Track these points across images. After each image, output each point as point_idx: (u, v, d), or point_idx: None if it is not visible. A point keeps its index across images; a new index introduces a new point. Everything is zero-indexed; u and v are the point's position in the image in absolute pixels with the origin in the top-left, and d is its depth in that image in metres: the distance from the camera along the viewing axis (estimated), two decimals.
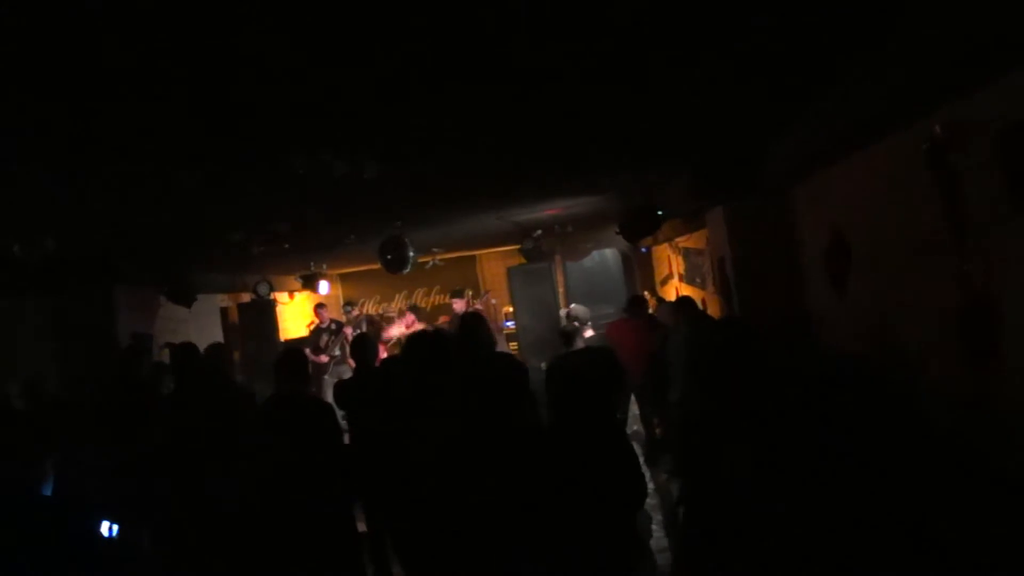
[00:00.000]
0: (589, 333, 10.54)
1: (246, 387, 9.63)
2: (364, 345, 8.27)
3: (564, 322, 11.43)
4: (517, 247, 16.56)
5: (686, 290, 14.37)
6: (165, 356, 11.13)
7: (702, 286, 12.36)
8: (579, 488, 4.61)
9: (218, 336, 14.76)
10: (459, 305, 15.53)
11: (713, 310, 11.18)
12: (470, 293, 18.55)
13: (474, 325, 7.14)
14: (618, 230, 11.24)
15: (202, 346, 9.20)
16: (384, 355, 13.27)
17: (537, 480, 4.71)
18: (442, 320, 17.06)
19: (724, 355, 4.51)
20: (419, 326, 14.66)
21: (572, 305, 11.15)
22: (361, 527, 7.06)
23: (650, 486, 8.99)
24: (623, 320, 11.60)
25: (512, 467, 4.78)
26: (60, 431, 6.25)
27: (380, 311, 18.71)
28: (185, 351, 8.74)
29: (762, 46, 4.77)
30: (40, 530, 3.79)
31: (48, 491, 4.10)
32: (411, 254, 11.98)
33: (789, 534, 3.83)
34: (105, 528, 4.53)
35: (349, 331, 15.36)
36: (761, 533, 3.90)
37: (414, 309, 15.75)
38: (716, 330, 5.83)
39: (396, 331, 14.63)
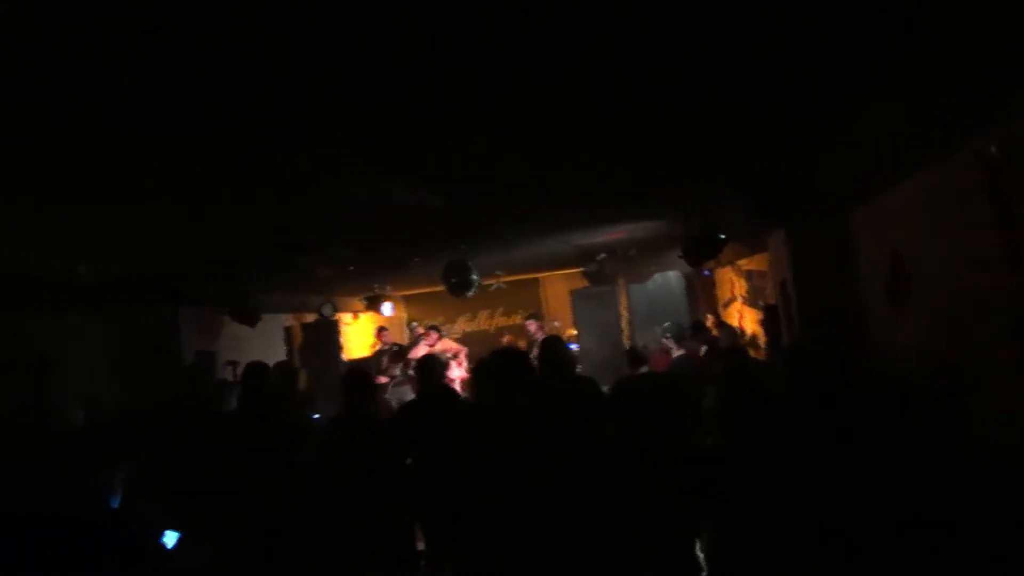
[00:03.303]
0: (680, 352, 10.58)
1: (305, 406, 9.73)
2: (428, 367, 8.30)
3: (660, 337, 11.42)
4: (580, 270, 16.52)
5: (749, 313, 14.31)
6: (229, 373, 11.31)
7: (763, 308, 12.30)
8: (640, 512, 4.62)
9: (281, 355, 14.91)
10: (533, 327, 15.50)
11: None
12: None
13: (554, 347, 7.22)
14: (681, 254, 11.22)
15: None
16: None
17: (601, 502, 4.73)
18: (506, 339, 17.06)
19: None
20: (441, 344, 14.73)
21: (668, 323, 11.15)
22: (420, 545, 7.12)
23: None
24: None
25: (579, 488, 4.80)
26: (124, 446, 6.38)
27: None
28: (255, 370, 8.81)
29: (815, 69, 4.80)
30: (105, 541, 3.89)
31: (115, 503, 4.21)
32: (475, 278, 11.98)
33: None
34: (169, 539, 4.64)
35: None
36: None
37: (435, 329, 15.73)
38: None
39: (423, 352, 14.61)
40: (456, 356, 15.08)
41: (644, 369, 9.18)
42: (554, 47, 4.02)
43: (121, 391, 10.89)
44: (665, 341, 10.83)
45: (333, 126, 4.99)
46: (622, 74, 4.57)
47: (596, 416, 6.46)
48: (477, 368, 6.83)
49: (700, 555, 4.86)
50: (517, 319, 18.13)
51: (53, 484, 4.15)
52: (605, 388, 7.24)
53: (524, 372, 5.61)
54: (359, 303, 18.03)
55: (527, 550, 4.69)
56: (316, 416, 10.49)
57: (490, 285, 16.13)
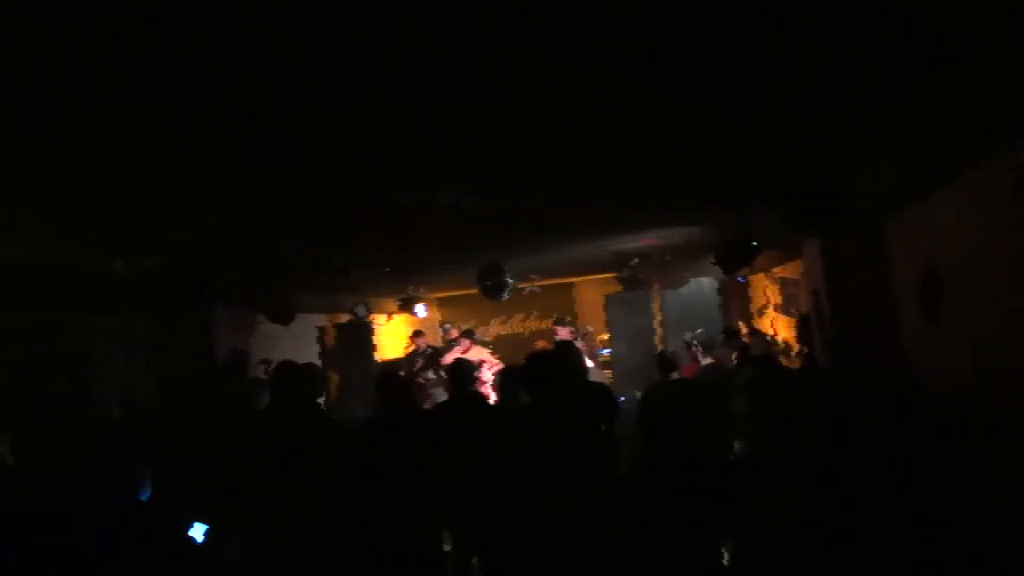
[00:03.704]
0: (707, 359, 10.58)
1: (331, 408, 9.78)
2: (459, 371, 8.28)
3: (688, 342, 11.43)
4: (614, 275, 16.47)
5: (782, 321, 14.24)
6: (261, 372, 11.37)
7: (798, 317, 12.26)
8: (667, 518, 4.62)
9: (314, 355, 14.96)
10: (561, 332, 15.42)
11: None
12: (568, 319, 18.38)
13: (564, 352, 7.20)
14: (715, 261, 11.20)
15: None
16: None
17: (626, 507, 4.74)
18: (539, 344, 17.00)
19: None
20: (475, 350, 14.67)
21: (697, 330, 11.13)
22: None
23: None
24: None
25: (602, 491, 4.82)
26: (156, 440, 6.43)
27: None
28: (284, 370, 8.82)
29: (852, 80, 4.79)
30: (134, 534, 3.93)
31: (145, 497, 4.26)
32: (509, 281, 11.99)
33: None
34: (197, 532, 4.69)
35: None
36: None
37: (469, 335, 15.61)
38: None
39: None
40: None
41: (675, 375, 9.15)
42: (592, 50, 4.04)
43: (155, 388, 10.99)
44: (694, 349, 10.84)
45: (369, 127, 5.02)
46: (660, 80, 4.58)
47: (599, 420, 6.50)
48: (504, 373, 6.87)
49: (726, 561, 4.86)
50: (551, 323, 18.05)
51: (85, 478, 4.21)
52: (637, 393, 7.25)
53: (544, 379, 5.61)
54: (393, 304, 18.02)
55: (544, 552, 4.72)
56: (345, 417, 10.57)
57: (524, 288, 16.08)
